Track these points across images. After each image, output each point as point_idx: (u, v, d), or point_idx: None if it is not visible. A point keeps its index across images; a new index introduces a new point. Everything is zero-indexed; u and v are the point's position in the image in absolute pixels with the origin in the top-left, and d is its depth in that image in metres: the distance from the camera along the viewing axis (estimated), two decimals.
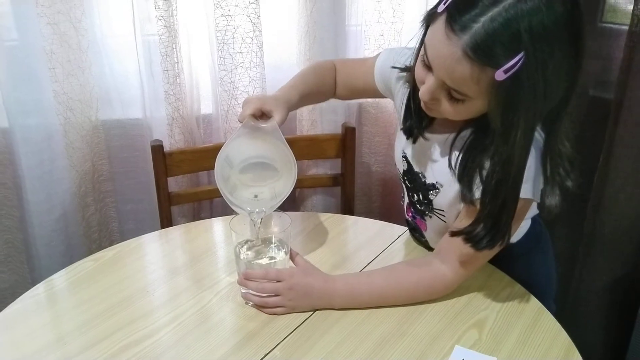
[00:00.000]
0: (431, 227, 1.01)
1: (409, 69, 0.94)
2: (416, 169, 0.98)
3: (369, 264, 1.04)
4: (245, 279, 0.90)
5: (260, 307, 0.90)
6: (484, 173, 0.82)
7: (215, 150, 0.90)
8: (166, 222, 1.38)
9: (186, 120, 1.42)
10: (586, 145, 0.97)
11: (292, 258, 0.95)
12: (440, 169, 0.92)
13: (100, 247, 1.50)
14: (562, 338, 0.86)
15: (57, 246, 1.42)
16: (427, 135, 0.94)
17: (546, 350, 0.83)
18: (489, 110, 0.77)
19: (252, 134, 0.92)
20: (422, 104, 0.85)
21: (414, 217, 1.05)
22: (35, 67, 1.28)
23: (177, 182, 1.46)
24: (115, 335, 0.85)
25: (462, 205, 0.88)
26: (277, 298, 0.89)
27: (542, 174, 0.83)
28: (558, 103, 0.77)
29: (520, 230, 0.99)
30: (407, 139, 0.98)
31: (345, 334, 0.86)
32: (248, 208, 0.89)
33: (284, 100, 0.97)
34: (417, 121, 0.94)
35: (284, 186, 0.89)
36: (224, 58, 1.37)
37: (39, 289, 0.96)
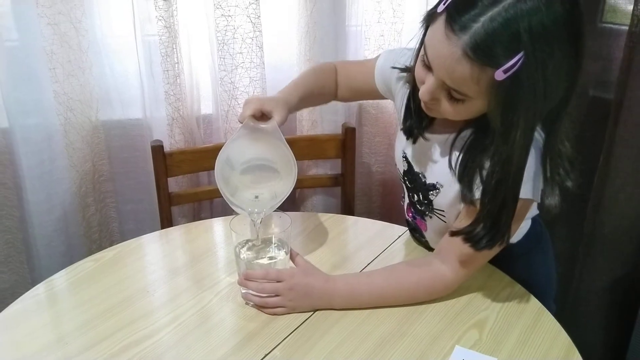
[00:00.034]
0: (431, 227, 1.01)
1: (409, 69, 0.94)
2: (416, 169, 0.98)
3: (369, 264, 1.04)
4: (246, 279, 0.90)
5: (260, 307, 0.90)
6: (484, 173, 0.82)
7: (215, 150, 0.90)
8: (166, 222, 1.38)
9: (186, 121, 1.42)
10: (586, 145, 0.97)
11: (292, 258, 0.95)
12: (440, 169, 0.92)
13: (100, 248, 1.50)
14: (562, 338, 0.86)
15: (57, 246, 1.42)
16: (427, 135, 0.94)
17: (546, 351, 0.83)
18: (488, 110, 0.77)
19: (252, 134, 0.92)
20: (422, 104, 0.86)
21: (414, 218, 1.05)
22: (36, 67, 1.28)
23: (177, 183, 1.46)
24: (116, 335, 0.85)
25: (462, 205, 0.88)
26: (278, 298, 0.89)
27: (542, 174, 0.83)
28: (558, 103, 0.77)
29: (520, 231, 0.99)
30: (407, 139, 0.98)
31: (345, 334, 0.86)
32: (248, 208, 0.89)
33: (284, 101, 0.97)
34: (417, 121, 0.94)
35: (284, 187, 0.89)
36: (224, 58, 1.37)
37: (39, 289, 0.96)
